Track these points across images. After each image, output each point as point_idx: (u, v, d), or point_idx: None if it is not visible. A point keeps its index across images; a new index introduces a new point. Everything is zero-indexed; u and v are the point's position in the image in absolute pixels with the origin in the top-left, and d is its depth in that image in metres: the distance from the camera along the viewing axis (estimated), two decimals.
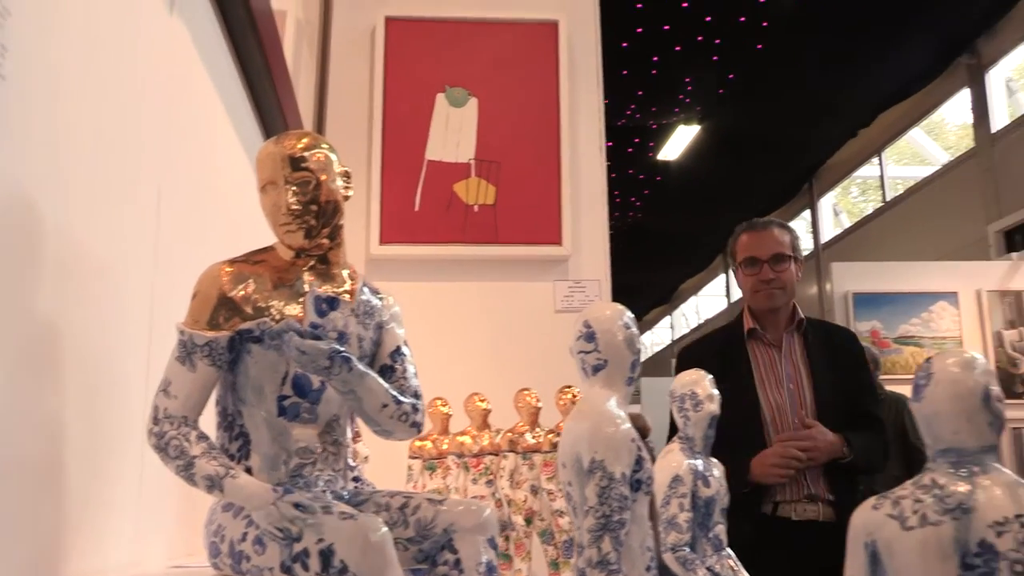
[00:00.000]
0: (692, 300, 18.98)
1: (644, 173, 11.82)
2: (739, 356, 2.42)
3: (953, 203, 9.38)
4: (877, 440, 2.44)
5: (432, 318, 2.86)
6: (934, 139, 11.66)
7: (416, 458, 2.51)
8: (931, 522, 0.92)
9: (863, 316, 7.00)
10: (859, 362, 2.55)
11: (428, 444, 2.49)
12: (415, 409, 1.14)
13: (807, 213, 13.74)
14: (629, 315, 1.18)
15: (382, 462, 2.28)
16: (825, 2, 8.31)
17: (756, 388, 2.38)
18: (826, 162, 12.60)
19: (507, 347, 2.84)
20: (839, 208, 13.77)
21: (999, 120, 8.98)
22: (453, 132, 2.87)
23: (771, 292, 2.41)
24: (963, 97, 9.54)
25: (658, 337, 21.34)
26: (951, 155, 10.70)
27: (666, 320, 20.30)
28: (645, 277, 15.75)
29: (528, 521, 2.28)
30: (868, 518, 0.97)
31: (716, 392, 1.50)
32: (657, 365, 17.50)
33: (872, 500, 0.98)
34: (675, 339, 19.57)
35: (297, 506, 0.98)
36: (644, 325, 20.67)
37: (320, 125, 2.85)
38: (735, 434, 2.13)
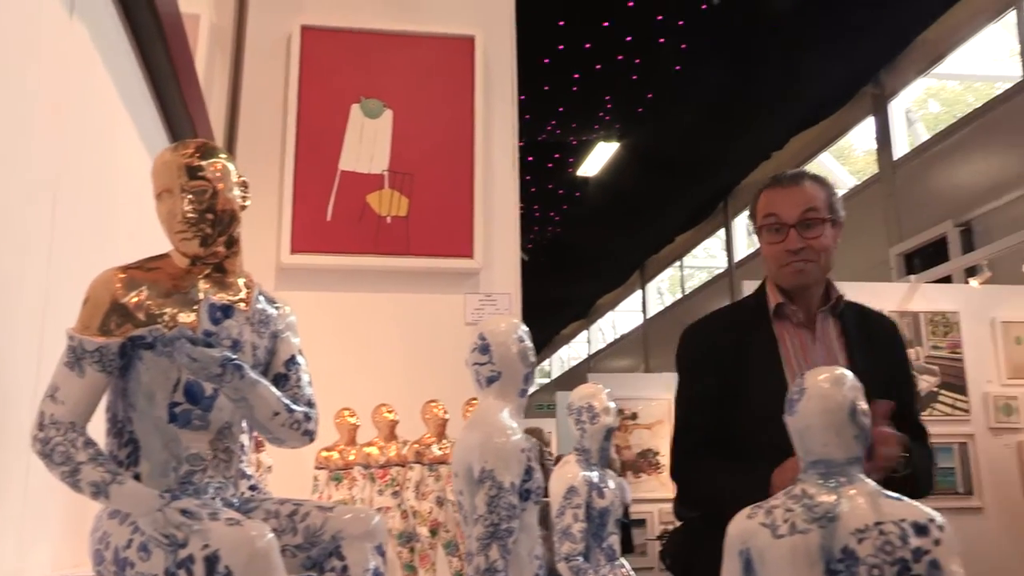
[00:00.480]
0: (609, 315, 19.23)
1: (564, 188, 11.95)
2: (764, 337, 1.99)
3: (859, 226, 9.72)
4: (928, 456, 1.98)
5: (342, 328, 2.85)
6: (842, 164, 12.10)
7: (322, 469, 2.50)
8: (800, 530, 0.97)
9: None
10: (903, 357, 2.12)
11: (335, 455, 2.49)
12: (307, 418, 1.15)
13: (722, 232, 14.08)
14: (524, 329, 1.21)
15: (288, 472, 2.26)
16: (740, 29, 8.55)
17: (785, 378, 1.92)
18: (741, 182, 12.94)
19: (416, 359, 2.85)
20: (752, 228, 14.12)
21: (900, 148, 9.37)
22: (367, 143, 2.87)
23: (800, 267, 1.95)
24: (868, 125, 9.94)
25: (575, 351, 21.56)
26: (858, 179, 11.11)
27: (583, 334, 20.52)
28: (563, 291, 15.90)
29: (433, 532, 2.29)
30: (743, 527, 1.01)
31: (613, 405, 1.54)
32: (573, 378, 17.64)
33: (747, 510, 1.03)
34: (591, 353, 19.78)
35: (184, 512, 0.98)
36: (561, 339, 20.87)
37: (232, 132, 2.83)
38: (758, 434, 1.74)
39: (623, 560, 1.56)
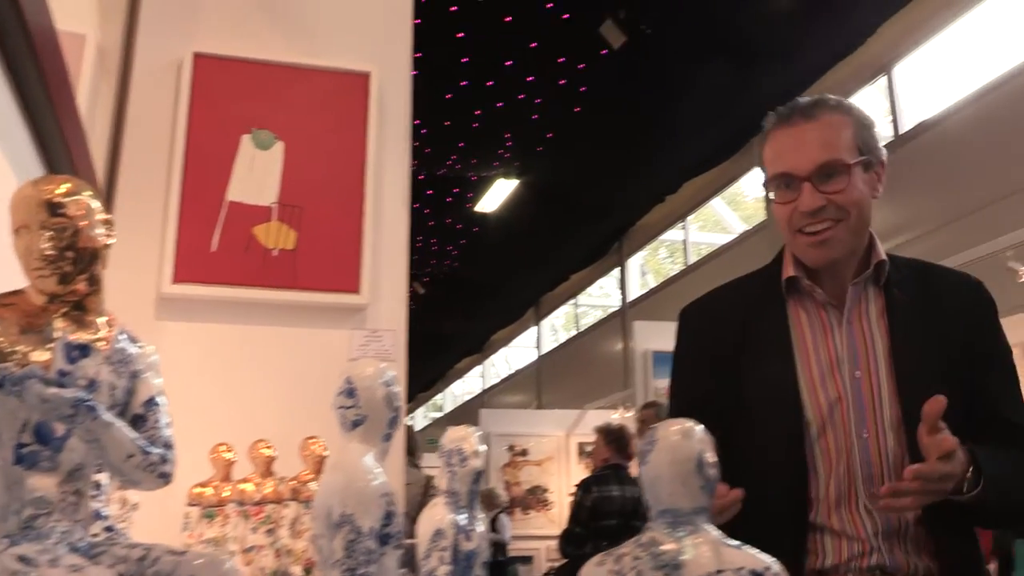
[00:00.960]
0: (503, 351, 19.32)
1: (462, 223, 12.05)
2: (771, 323, 1.53)
3: (747, 270, 10.08)
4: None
5: (223, 361, 2.80)
6: (733, 209, 12.54)
7: (195, 505, 2.44)
8: None
9: (660, 373, 7.38)
10: (988, 330, 1.53)
11: (208, 491, 2.43)
12: (164, 460, 1.13)
13: (617, 271, 14.37)
14: (391, 374, 1.23)
15: (157, 509, 2.20)
16: (638, 75, 8.80)
17: (796, 376, 1.48)
18: (636, 223, 13.26)
19: (298, 394, 2.82)
20: (646, 268, 14.51)
21: None
22: (257, 174, 2.84)
23: (821, 239, 1.47)
24: (757, 173, 10.35)
25: (469, 386, 21.55)
26: (748, 225, 11.52)
27: (477, 369, 20.54)
28: (458, 325, 15.95)
29: (307, 572, 2.27)
30: (592, 574, 1.04)
31: (483, 448, 1.56)
32: (466, 414, 17.61)
33: (598, 557, 1.06)
34: (485, 388, 19.81)
35: (21, 559, 0.95)
36: (455, 374, 20.86)
37: (115, 157, 2.76)
38: (759, 449, 1.42)
39: None
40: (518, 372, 18.07)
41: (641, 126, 9.56)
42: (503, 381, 19.01)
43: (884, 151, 1.56)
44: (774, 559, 1.04)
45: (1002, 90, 7.60)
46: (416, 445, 6.69)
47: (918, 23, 8.39)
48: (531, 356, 17.38)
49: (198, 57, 2.87)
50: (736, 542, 1.04)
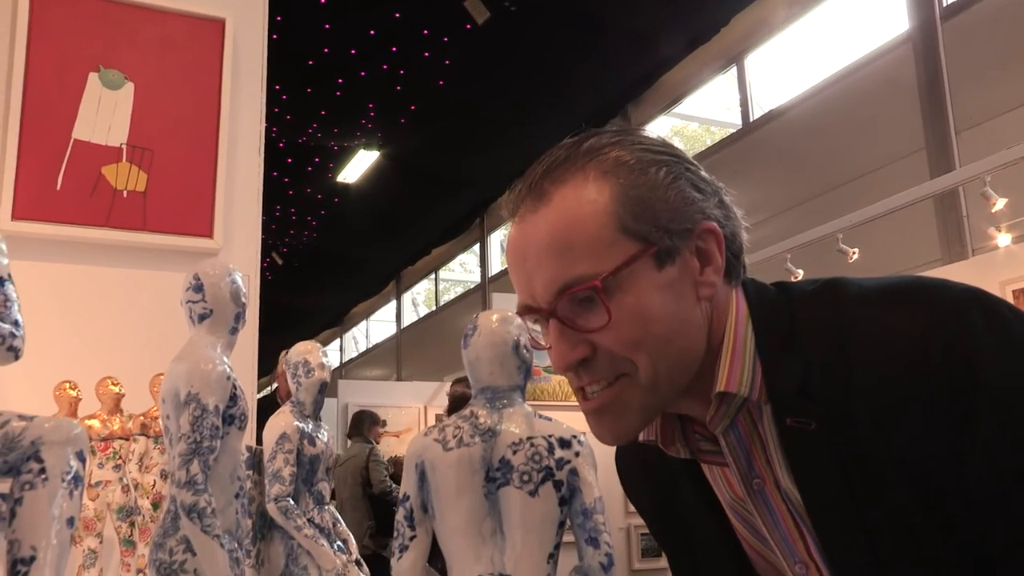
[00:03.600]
0: (363, 324, 19.22)
1: (322, 193, 11.92)
2: (693, 502, 1.01)
3: None
4: None
5: (70, 301, 2.77)
6: None
7: None
8: (465, 444, 1.13)
9: None
10: (978, 444, 0.78)
11: None
12: (13, 335, 1.18)
13: (477, 247, 14.52)
14: (239, 273, 1.31)
15: None
16: (502, 50, 8.94)
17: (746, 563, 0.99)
18: (498, 199, 13.38)
19: (149, 335, 2.81)
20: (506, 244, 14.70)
21: None
22: (105, 114, 2.81)
23: (592, 404, 0.91)
24: None
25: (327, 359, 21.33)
26: None
27: (336, 342, 20.38)
28: (317, 298, 15.78)
29: (155, 506, 2.29)
30: (419, 444, 1.16)
31: (327, 361, 1.65)
32: None
33: (425, 428, 1.17)
34: (344, 362, 19.67)
35: None
36: None
37: None
38: None
39: (331, 506, 1.67)
40: (378, 346, 18.05)
41: (504, 102, 9.71)
42: (362, 355, 18.94)
43: (712, 211, 0.93)
44: (580, 432, 1.18)
45: (844, 82, 8.12)
46: (363, 424, 6.95)
47: (769, 16, 8.86)
48: (391, 330, 17.39)
49: None
50: (548, 416, 1.18)
